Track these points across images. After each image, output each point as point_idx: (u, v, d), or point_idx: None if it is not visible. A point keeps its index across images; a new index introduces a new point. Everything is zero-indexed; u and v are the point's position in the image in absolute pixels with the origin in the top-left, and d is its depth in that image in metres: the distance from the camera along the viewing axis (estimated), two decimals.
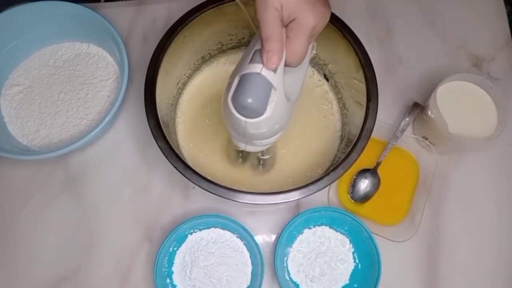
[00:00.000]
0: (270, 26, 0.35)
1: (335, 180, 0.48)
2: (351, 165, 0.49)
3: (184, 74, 0.60)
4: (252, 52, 0.37)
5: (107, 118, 0.54)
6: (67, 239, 0.57)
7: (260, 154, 0.56)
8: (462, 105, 0.57)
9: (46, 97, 0.61)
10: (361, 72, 0.52)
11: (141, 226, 0.57)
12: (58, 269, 0.56)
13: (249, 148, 0.45)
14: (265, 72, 0.35)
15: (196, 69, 0.62)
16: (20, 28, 0.60)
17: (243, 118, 0.37)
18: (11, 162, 0.57)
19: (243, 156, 0.58)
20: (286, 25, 0.36)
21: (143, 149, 0.60)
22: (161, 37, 0.52)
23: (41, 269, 0.56)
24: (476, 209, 0.59)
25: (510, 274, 0.57)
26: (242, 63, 0.38)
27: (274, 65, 0.35)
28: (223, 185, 0.47)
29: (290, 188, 0.48)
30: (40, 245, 0.57)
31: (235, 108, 0.37)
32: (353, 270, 0.55)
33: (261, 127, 0.39)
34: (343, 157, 0.49)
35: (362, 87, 0.52)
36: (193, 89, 0.62)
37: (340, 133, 0.60)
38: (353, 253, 0.55)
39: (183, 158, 0.49)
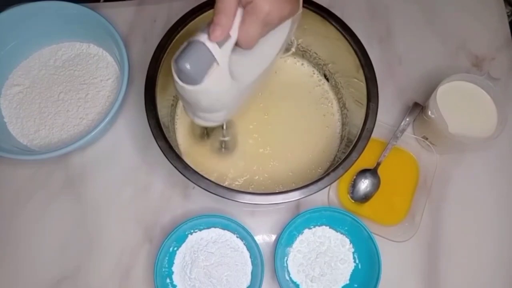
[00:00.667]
0: (223, 1, 0.36)
1: (335, 180, 0.48)
2: (351, 165, 0.49)
3: None
4: (206, 23, 0.37)
5: (107, 118, 0.54)
6: (67, 239, 0.57)
7: (221, 136, 0.56)
8: (462, 105, 0.57)
9: (46, 97, 0.61)
10: (361, 72, 0.52)
11: (141, 226, 0.57)
12: (58, 269, 0.56)
13: (196, 121, 0.45)
14: (209, 44, 0.36)
15: None
16: (20, 28, 0.60)
17: (181, 83, 0.38)
18: (11, 162, 0.57)
19: (207, 133, 0.58)
20: (244, 6, 0.37)
21: (143, 149, 0.60)
22: (161, 37, 0.52)
23: (41, 269, 0.56)
24: (476, 209, 0.59)
25: (510, 274, 0.57)
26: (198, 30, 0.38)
27: (216, 38, 0.35)
28: (222, 185, 0.47)
29: (290, 189, 0.48)
30: (40, 245, 0.57)
31: (175, 71, 0.37)
32: (353, 270, 0.55)
33: (198, 98, 0.39)
34: (343, 157, 0.49)
35: (362, 87, 0.52)
36: None
37: (340, 133, 0.60)
38: (353, 253, 0.55)
39: (182, 158, 0.49)
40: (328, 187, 0.56)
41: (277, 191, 0.48)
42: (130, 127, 0.61)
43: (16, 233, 0.57)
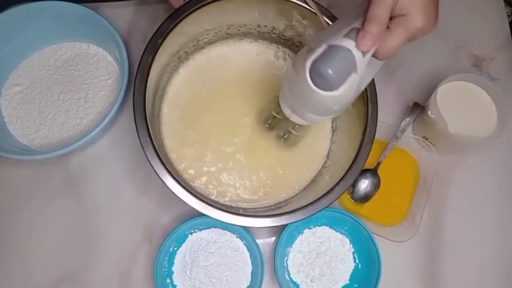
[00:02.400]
0: (379, 9, 0.34)
1: (345, 191, 0.48)
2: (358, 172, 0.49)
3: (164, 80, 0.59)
4: (349, 28, 0.36)
5: (107, 118, 0.54)
6: (67, 239, 0.57)
7: (291, 127, 0.54)
8: (462, 105, 0.57)
9: (46, 97, 0.61)
10: None
11: (141, 226, 0.57)
12: (58, 269, 0.56)
13: (293, 118, 0.44)
14: (356, 52, 0.35)
15: (173, 71, 0.61)
16: (20, 28, 0.60)
17: (312, 86, 0.36)
18: (11, 162, 0.57)
19: (271, 124, 0.56)
20: (392, 17, 0.35)
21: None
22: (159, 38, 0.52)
23: (41, 269, 0.56)
24: (476, 209, 0.59)
25: (510, 274, 0.57)
26: (332, 34, 0.36)
27: (366, 48, 0.34)
28: (221, 207, 0.47)
29: (298, 207, 0.48)
30: (40, 245, 0.57)
31: (310, 74, 0.36)
32: (353, 270, 0.55)
33: (324, 102, 0.38)
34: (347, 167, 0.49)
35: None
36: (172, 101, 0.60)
37: (331, 135, 0.60)
38: (353, 253, 0.56)
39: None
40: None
41: (280, 213, 0.48)
42: (130, 127, 0.61)
43: (16, 233, 0.57)
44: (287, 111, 0.44)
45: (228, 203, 0.56)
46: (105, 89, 0.62)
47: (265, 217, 0.48)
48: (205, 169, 0.57)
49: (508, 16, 0.70)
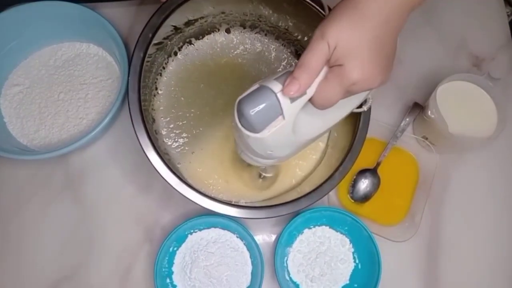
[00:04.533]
0: (311, 57, 0.33)
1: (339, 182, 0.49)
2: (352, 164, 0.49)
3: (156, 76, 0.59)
4: (285, 71, 0.35)
5: (107, 118, 0.54)
6: (67, 239, 0.57)
7: (263, 170, 0.55)
8: (462, 105, 0.57)
9: (46, 97, 0.61)
10: None
11: (141, 226, 0.57)
12: (58, 269, 0.56)
13: (243, 156, 0.44)
14: (281, 97, 0.34)
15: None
16: (20, 28, 0.60)
17: (239, 125, 0.36)
18: (11, 162, 0.57)
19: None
20: (331, 66, 0.34)
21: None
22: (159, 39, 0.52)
23: (41, 269, 0.56)
24: (476, 209, 0.59)
25: (510, 273, 0.57)
26: (274, 75, 0.36)
27: (291, 93, 0.33)
28: (219, 199, 0.47)
29: (294, 198, 0.48)
30: (40, 245, 0.57)
31: (237, 112, 0.36)
32: (353, 270, 0.55)
33: (252, 143, 0.37)
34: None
35: None
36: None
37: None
38: (353, 253, 0.56)
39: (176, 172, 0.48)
40: None
41: (271, 204, 0.48)
42: (130, 127, 0.61)
43: (16, 233, 0.57)
44: (238, 150, 0.44)
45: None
46: (105, 89, 0.62)
47: (247, 208, 0.48)
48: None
49: (508, 16, 0.70)
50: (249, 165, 0.56)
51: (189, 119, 0.59)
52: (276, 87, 0.34)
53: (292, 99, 0.34)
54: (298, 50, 0.62)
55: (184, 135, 0.58)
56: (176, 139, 0.58)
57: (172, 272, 0.54)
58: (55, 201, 0.58)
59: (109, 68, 0.63)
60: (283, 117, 0.35)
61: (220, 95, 0.60)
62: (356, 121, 0.50)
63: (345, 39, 0.32)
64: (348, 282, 0.55)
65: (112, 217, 0.58)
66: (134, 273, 0.56)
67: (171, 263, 0.54)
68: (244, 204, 0.49)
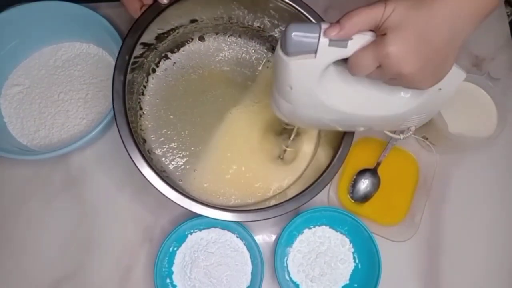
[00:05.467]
0: (361, 10, 0.33)
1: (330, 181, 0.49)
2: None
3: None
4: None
5: (107, 118, 0.54)
6: (67, 239, 0.57)
7: (284, 144, 0.55)
8: (462, 105, 0.57)
9: (46, 97, 0.61)
10: None
11: (141, 226, 0.57)
12: (58, 269, 0.56)
13: (271, 103, 0.44)
14: (323, 35, 0.34)
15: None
16: (20, 28, 0.60)
17: (278, 45, 0.37)
18: (11, 162, 0.57)
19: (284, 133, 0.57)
20: (378, 35, 0.33)
21: None
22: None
23: (41, 269, 0.56)
24: (476, 209, 0.59)
25: (510, 273, 0.57)
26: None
27: (328, 35, 0.33)
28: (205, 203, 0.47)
29: (280, 202, 0.48)
30: (40, 245, 0.57)
31: (283, 34, 0.36)
32: (353, 270, 0.55)
33: (278, 69, 0.38)
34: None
35: None
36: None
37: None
38: (353, 253, 0.56)
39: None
40: (328, 187, 0.56)
41: (263, 207, 0.48)
42: None
43: (16, 233, 0.57)
44: (271, 104, 0.44)
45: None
46: (105, 89, 0.62)
47: (233, 211, 0.48)
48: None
49: (508, 16, 0.70)
50: (274, 139, 0.57)
51: (183, 136, 0.57)
52: (326, 24, 0.34)
53: (331, 43, 0.34)
54: (274, 46, 0.60)
55: (182, 153, 0.57)
56: (173, 158, 0.57)
57: (172, 272, 0.54)
58: (55, 201, 0.58)
59: (109, 68, 0.63)
60: (315, 56, 0.35)
61: (210, 106, 0.58)
62: None
63: (402, 12, 0.32)
64: (348, 282, 0.55)
65: (112, 217, 0.58)
66: (134, 273, 0.56)
67: (171, 263, 0.54)
68: (240, 209, 0.49)
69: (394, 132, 0.45)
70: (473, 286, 0.57)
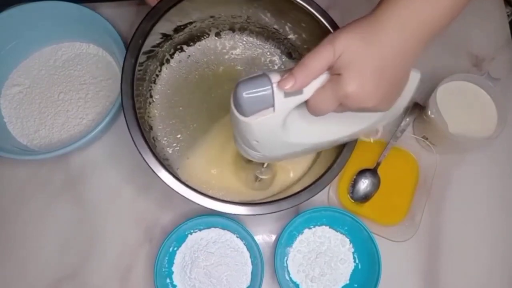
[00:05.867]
0: (313, 58, 0.33)
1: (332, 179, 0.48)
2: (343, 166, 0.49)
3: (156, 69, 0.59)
4: (292, 67, 0.35)
5: (107, 118, 0.54)
6: (67, 239, 0.57)
7: (258, 171, 0.55)
8: (462, 105, 0.57)
9: (46, 97, 0.61)
10: None
11: (141, 226, 0.57)
12: (58, 269, 0.56)
13: (236, 145, 0.44)
14: (276, 88, 0.34)
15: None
16: (20, 28, 0.60)
17: (232, 104, 0.36)
18: (11, 162, 0.57)
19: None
20: (332, 74, 0.34)
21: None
22: None
23: (41, 269, 0.56)
24: (476, 209, 0.59)
25: (510, 273, 0.57)
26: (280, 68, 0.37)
27: (285, 88, 0.33)
28: (214, 196, 0.47)
29: (282, 197, 0.48)
30: (40, 245, 0.57)
31: (233, 92, 0.36)
32: (353, 270, 0.55)
33: (239, 127, 0.38)
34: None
35: None
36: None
37: None
38: (353, 253, 0.56)
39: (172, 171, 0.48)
40: (328, 187, 0.56)
41: (266, 201, 0.48)
42: None
43: (16, 233, 0.57)
44: (234, 138, 0.44)
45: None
46: (105, 89, 0.62)
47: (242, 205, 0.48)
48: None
49: (508, 16, 0.70)
50: (247, 165, 0.56)
51: (190, 129, 0.58)
52: (275, 78, 0.34)
53: (286, 94, 0.34)
54: (289, 49, 0.61)
55: (181, 142, 0.58)
56: (174, 144, 0.57)
57: (172, 272, 0.54)
58: (55, 201, 0.58)
59: (109, 68, 0.63)
60: (274, 109, 0.35)
61: (218, 103, 0.59)
62: None
63: (352, 50, 0.32)
64: (348, 282, 0.55)
65: (112, 217, 0.58)
66: (134, 273, 0.56)
67: (171, 263, 0.54)
68: (238, 201, 0.49)
69: (367, 138, 0.45)
70: (473, 286, 0.57)
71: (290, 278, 0.55)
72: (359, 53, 0.32)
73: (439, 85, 0.56)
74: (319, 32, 0.52)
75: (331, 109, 0.35)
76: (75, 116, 0.61)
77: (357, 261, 0.55)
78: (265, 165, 0.53)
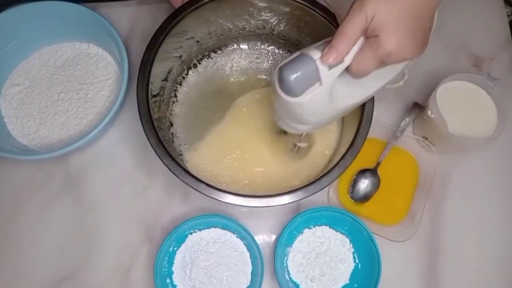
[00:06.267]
0: (349, 27, 0.34)
1: (334, 180, 0.48)
2: (356, 155, 0.49)
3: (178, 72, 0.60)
4: (325, 40, 0.36)
5: (107, 118, 0.54)
6: (67, 239, 0.57)
7: (297, 139, 0.56)
8: (462, 105, 0.57)
9: (46, 97, 0.61)
10: None
11: (141, 226, 0.57)
12: (58, 269, 0.56)
13: (280, 123, 0.45)
14: (319, 64, 0.35)
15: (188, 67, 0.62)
16: (20, 28, 0.60)
17: (279, 90, 0.37)
18: (11, 162, 0.57)
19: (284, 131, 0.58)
20: (368, 37, 0.35)
21: (143, 149, 0.60)
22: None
23: (41, 269, 0.56)
24: (476, 209, 0.59)
25: (510, 274, 0.57)
26: (314, 43, 0.37)
27: (329, 61, 0.35)
28: (220, 188, 0.47)
29: (287, 191, 0.48)
30: (40, 245, 0.57)
31: (277, 78, 0.37)
32: (353, 270, 0.55)
33: (290, 109, 0.39)
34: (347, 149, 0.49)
35: None
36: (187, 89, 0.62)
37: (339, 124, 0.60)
38: (353, 253, 0.55)
39: (180, 162, 0.48)
40: (328, 187, 0.56)
41: (273, 194, 0.47)
42: (130, 127, 0.61)
43: (16, 233, 0.57)
44: (275, 116, 0.45)
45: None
46: (105, 89, 0.62)
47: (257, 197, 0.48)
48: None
49: (508, 16, 0.70)
50: (282, 137, 0.57)
51: (208, 131, 0.59)
52: (316, 54, 0.35)
53: (330, 67, 0.35)
54: None
55: (195, 137, 0.59)
56: (189, 140, 0.59)
57: (172, 272, 0.54)
58: (55, 201, 0.58)
59: (109, 68, 0.63)
60: (321, 83, 0.36)
61: (240, 110, 0.60)
62: (360, 116, 0.50)
63: (382, 10, 0.34)
64: (348, 282, 0.55)
65: (112, 217, 0.58)
66: (134, 273, 0.55)
67: (171, 263, 0.54)
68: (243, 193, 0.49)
69: (397, 83, 0.46)
70: (473, 286, 0.57)
71: (290, 278, 0.55)
72: (389, 12, 0.34)
73: (439, 85, 0.56)
74: None
75: (374, 69, 0.36)
76: (75, 116, 0.61)
77: (357, 261, 0.55)
78: (304, 134, 0.54)
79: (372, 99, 0.50)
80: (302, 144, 0.56)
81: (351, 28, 0.34)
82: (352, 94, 0.42)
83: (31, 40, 0.62)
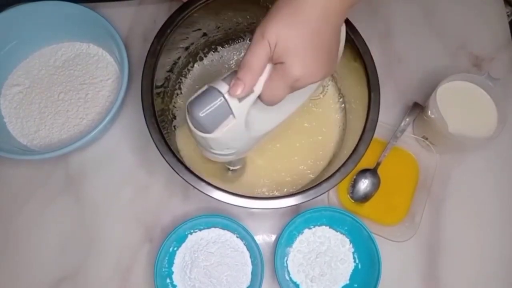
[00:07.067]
0: (252, 57, 0.34)
1: (345, 177, 0.48)
2: (360, 159, 0.49)
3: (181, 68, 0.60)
4: (232, 71, 0.36)
5: (107, 118, 0.54)
6: (67, 239, 0.57)
7: (227, 164, 0.55)
8: (462, 105, 0.57)
9: (46, 97, 0.61)
10: (359, 61, 0.51)
11: (141, 226, 0.57)
12: (58, 269, 0.56)
13: (204, 154, 0.44)
14: (228, 97, 0.34)
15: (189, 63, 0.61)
16: (20, 28, 0.60)
17: (191, 126, 0.37)
18: (11, 162, 0.57)
19: None
20: (275, 63, 0.35)
21: (143, 149, 0.60)
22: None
23: (41, 269, 0.56)
24: (476, 209, 0.59)
25: (510, 274, 0.57)
26: (221, 75, 0.37)
27: (237, 94, 0.34)
28: (220, 187, 0.47)
29: (288, 194, 0.48)
30: (40, 245, 0.57)
31: (188, 114, 0.36)
32: (353, 270, 0.55)
33: (208, 143, 0.38)
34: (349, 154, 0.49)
35: (362, 77, 0.51)
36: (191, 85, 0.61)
37: (341, 127, 0.59)
38: (353, 253, 0.56)
39: (182, 160, 0.48)
40: None
41: (280, 195, 0.48)
42: (130, 127, 0.61)
43: (16, 233, 0.57)
44: (199, 149, 0.44)
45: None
46: (105, 89, 0.62)
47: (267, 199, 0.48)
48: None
49: (508, 16, 0.70)
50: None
51: None
52: (223, 88, 0.34)
53: (240, 99, 0.35)
54: None
55: None
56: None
57: (172, 272, 0.54)
58: (55, 201, 0.58)
59: (109, 68, 0.63)
60: (234, 116, 0.35)
61: None
62: (364, 122, 0.51)
63: (284, 36, 0.33)
64: (348, 282, 0.55)
65: (112, 217, 0.58)
66: (134, 273, 0.55)
67: (171, 263, 0.54)
68: (258, 195, 0.49)
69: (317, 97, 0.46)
70: (473, 286, 0.57)
71: (290, 278, 0.55)
72: (291, 37, 0.33)
73: (439, 85, 0.56)
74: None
75: (285, 95, 0.36)
76: (75, 116, 0.61)
77: (357, 261, 0.55)
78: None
79: (377, 106, 0.50)
80: (234, 167, 0.55)
81: (255, 58, 0.33)
82: (270, 119, 0.41)
83: (31, 40, 0.62)
